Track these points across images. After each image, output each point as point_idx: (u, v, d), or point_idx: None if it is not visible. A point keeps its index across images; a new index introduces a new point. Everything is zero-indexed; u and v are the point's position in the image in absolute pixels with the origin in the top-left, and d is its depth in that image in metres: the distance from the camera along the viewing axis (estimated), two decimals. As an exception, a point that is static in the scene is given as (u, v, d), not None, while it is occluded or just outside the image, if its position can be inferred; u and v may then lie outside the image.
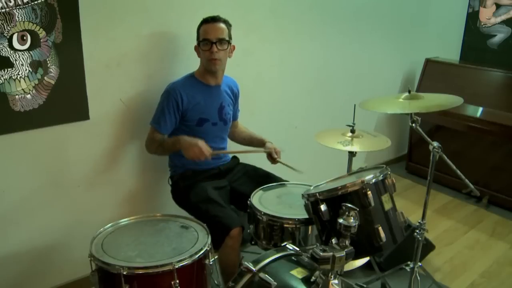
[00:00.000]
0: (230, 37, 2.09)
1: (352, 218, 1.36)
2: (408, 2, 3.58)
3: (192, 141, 1.99)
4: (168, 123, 2.08)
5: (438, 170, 2.18)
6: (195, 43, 2.09)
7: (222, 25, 2.06)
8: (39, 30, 1.82)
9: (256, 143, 2.34)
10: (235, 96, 2.33)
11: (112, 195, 2.26)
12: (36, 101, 1.89)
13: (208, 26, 2.05)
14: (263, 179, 2.19)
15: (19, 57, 1.80)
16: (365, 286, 1.97)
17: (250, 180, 2.22)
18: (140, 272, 1.47)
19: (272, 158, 2.20)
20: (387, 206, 1.63)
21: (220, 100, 2.20)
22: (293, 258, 1.52)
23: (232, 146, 2.41)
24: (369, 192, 1.55)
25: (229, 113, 2.27)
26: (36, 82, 1.87)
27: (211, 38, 2.03)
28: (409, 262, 2.06)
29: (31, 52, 1.83)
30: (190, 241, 1.62)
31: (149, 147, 2.14)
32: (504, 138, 3.13)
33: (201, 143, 1.97)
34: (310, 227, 1.80)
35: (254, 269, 1.41)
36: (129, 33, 2.10)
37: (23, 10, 1.76)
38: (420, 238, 1.99)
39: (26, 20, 1.78)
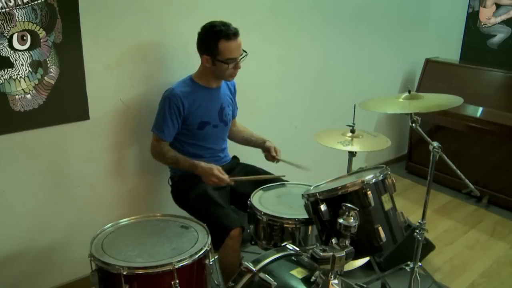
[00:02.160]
0: None
1: (352, 218, 1.36)
2: (408, 2, 3.58)
3: (208, 170, 1.98)
4: (171, 130, 2.06)
5: (438, 170, 2.18)
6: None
7: (241, 39, 2.01)
8: (39, 30, 1.82)
9: (255, 142, 2.33)
10: (232, 95, 2.33)
11: (112, 195, 2.26)
12: (36, 101, 1.89)
13: (232, 44, 1.97)
14: (263, 179, 2.19)
15: (19, 57, 1.80)
16: (365, 286, 1.98)
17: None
18: (140, 272, 1.47)
19: (271, 156, 2.20)
20: (387, 206, 1.63)
21: (220, 102, 2.20)
22: (293, 258, 1.52)
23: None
24: (369, 192, 1.55)
25: (229, 114, 2.27)
26: (36, 82, 1.87)
27: (237, 57, 2.00)
28: (409, 262, 2.06)
29: (31, 52, 1.83)
30: (190, 241, 1.62)
31: (157, 158, 2.13)
32: (504, 138, 3.13)
33: (217, 172, 1.96)
34: (310, 227, 1.80)
35: (254, 269, 1.41)
36: (129, 33, 2.10)
37: (23, 10, 1.76)
38: (420, 238, 2.00)
39: (26, 20, 1.78)
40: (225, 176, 1.97)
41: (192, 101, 2.08)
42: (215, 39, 1.97)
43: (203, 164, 2.01)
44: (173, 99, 2.04)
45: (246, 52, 2.06)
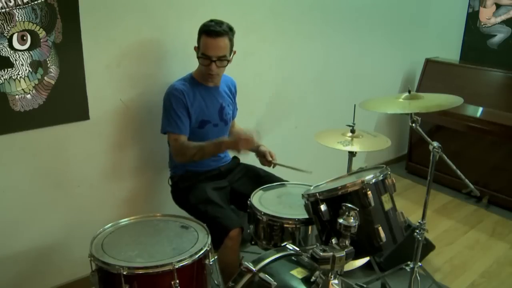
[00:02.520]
0: (231, 49, 2.04)
1: (352, 218, 1.36)
2: (408, 2, 3.58)
3: (234, 143, 1.95)
4: (185, 123, 2.04)
5: (438, 170, 2.18)
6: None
7: (225, 41, 1.97)
8: (39, 30, 1.82)
9: None
10: (233, 95, 2.32)
11: (112, 195, 2.26)
12: (36, 101, 1.89)
13: (209, 41, 1.96)
14: (264, 179, 2.19)
15: (19, 57, 1.80)
16: (365, 286, 1.98)
17: (250, 180, 2.22)
18: (140, 272, 1.46)
19: (267, 161, 2.19)
20: (387, 206, 1.63)
21: (220, 101, 2.20)
22: (293, 258, 1.52)
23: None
24: (369, 192, 1.55)
25: (229, 113, 2.27)
26: (36, 82, 1.87)
27: (211, 55, 1.98)
28: (409, 262, 2.06)
29: (31, 52, 1.83)
30: (190, 241, 1.62)
31: (182, 158, 2.04)
32: (504, 138, 3.13)
33: (243, 137, 1.92)
34: (310, 227, 1.80)
35: (254, 269, 1.41)
36: (129, 33, 2.10)
37: (23, 10, 1.76)
38: (420, 238, 2.00)
39: (26, 20, 1.78)
40: (249, 135, 1.92)
41: (193, 98, 2.08)
42: (200, 31, 2.01)
43: (226, 139, 2.01)
44: (176, 93, 2.03)
45: (228, 59, 2.03)
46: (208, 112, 2.13)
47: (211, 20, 2.01)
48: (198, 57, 2.05)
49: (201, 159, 2.07)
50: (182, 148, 2.02)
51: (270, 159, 2.19)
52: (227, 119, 2.24)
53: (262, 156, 2.22)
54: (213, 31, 1.95)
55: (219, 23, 1.99)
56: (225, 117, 2.22)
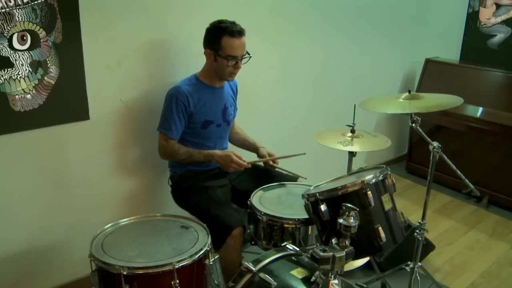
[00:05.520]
0: None
1: (352, 218, 1.35)
2: (408, 2, 3.58)
3: (226, 158, 2.01)
4: (179, 128, 2.06)
5: (438, 170, 2.19)
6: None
7: (245, 38, 2.01)
8: (39, 30, 1.82)
9: (248, 147, 2.34)
10: (235, 95, 2.33)
11: (112, 195, 2.26)
12: (36, 101, 1.89)
13: (235, 41, 1.97)
14: (263, 174, 2.19)
15: (19, 57, 1.80)
16: (365, 286, 1.97)
17: (250, 177, 2.22)
18: (140, 272, 1.47)
19: (269, 165, 2.20)
20: (387, 206, 1.63)
21: (224, 101, 2.20)
22: (293, 258, 1.52)
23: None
24: (369, 192, 1.55)
25: (232, 114, 2.27)
26: (36, 82, 1.87)
27: (238, 55, 2.00)
28: (409, 262, 2.06)
29: (31, 52, 1.83)
30: (190, 241, 1.62)
31: (168, 157, 2.13)
32: (504, 138, 3.13)
33: (235, 158, 2.00)
34: (310, 227, 1.80)
35: (254, 269, 1.41)
36: (129, 33, 2.10)
37: (23, 10, 1.76)
38: (420, 238, 2.00)
39: (26, 20, 1.78)
40: (242, 160, 2.00)
41: (197, 100, 2.08)
42: (219, 34, 1.98)
43: (218, 152, 2.04)
44: (180, 96, 2.03)
45: (249, 54, 2.05)
46: (212, 113, 2.14)
47: (222, 21, 2.00)
48: (216, 60, 2.02)
49: (187, 164, 2.12)
50: (172, 151, 2.07)
51: (271, 163, 2.19)
52: (229, 120, 2.24)
53: (264, 163, 2.22)
54: (236, 31, 1.97)
55: (233, 22, 2.00)
56: (228, 117, 2.22)
